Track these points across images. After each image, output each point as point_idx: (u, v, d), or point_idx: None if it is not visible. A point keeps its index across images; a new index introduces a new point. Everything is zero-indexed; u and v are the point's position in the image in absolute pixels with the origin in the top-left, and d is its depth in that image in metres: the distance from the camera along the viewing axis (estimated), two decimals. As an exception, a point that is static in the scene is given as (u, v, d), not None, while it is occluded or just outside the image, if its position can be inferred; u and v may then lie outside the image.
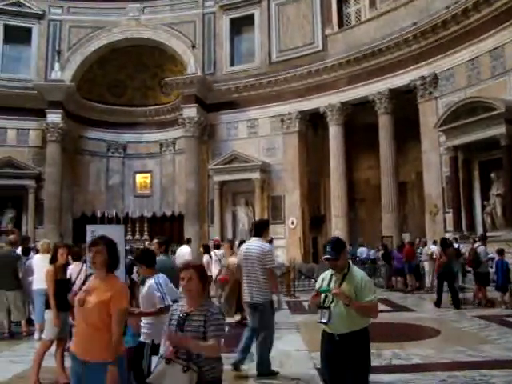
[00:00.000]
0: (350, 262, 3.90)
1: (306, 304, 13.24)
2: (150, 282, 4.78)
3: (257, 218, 22.64)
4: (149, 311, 4.70)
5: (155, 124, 27.49)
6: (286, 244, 22.31)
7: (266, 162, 23.23)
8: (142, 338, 4.78)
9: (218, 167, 23.67)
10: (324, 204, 24.39)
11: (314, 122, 23.81)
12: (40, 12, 25.23)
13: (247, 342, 6.41)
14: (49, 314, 6.34)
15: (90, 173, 27.15)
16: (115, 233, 5.57)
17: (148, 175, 27.90)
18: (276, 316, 9.60)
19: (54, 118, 24.26)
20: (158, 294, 4.73)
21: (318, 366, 5.91)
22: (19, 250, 10.28)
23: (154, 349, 4.57)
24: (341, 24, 22.63)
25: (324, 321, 3.71)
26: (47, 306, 6.45)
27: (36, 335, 8.55)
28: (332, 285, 3.80)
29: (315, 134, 24.29)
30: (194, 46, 24.83)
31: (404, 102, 20.01)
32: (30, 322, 9.44)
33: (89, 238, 5.56)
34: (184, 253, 12.96)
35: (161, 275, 4.89)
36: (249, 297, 6.36)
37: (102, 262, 3.40)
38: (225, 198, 24.09)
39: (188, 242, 15.74)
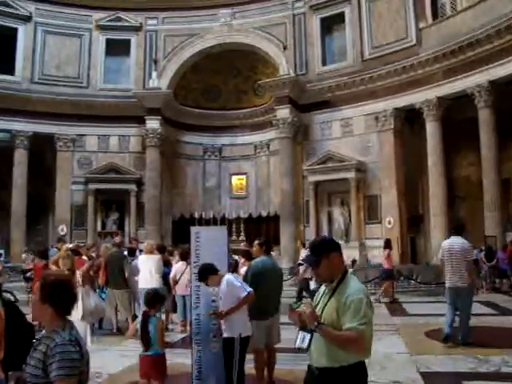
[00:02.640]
0: (350, 270, 3.48)
1: (405, 306, 13.74)
2: (226, 278, 5.07)
3: (353, 218, 23.46)
4: (236, 305, 4.92)
5: (249, 126, 29.02)
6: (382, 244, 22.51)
7: (361, 161, 23.71)
8: (226, 334, 4.98)
9: (313, 167, 24.57)
10: (422, 203, 24.46)
11: (409, 119, 24.06)
12: (137, 24, 27.68)
13: (452, 317, 8.40)
14: None
15: (188, 176, 29.29)
16: (218, 234, 6.44)
17: (243, 177, 29.59)
18: (375, 318, 10.28)
19: (153, 124, 26.53)
20: (238, 284, 5.07)
21: (422, 370, 6.74)
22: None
23: (243, 342, 4.97)
24: (435, 16, 22.72)
25: (303, 346, 2.97)
26: None
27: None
28: (323, 300, 3.09)
29: (411, 130, 24.48)
30: (285, 48, 25.96)
31: (506, 94, 19.72)
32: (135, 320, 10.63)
33: (193, 240, 6.02)
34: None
35: (229, 274, 5.32)
36: (453, 282, 8.38)
37: None
38: (320, 198, 24.95)
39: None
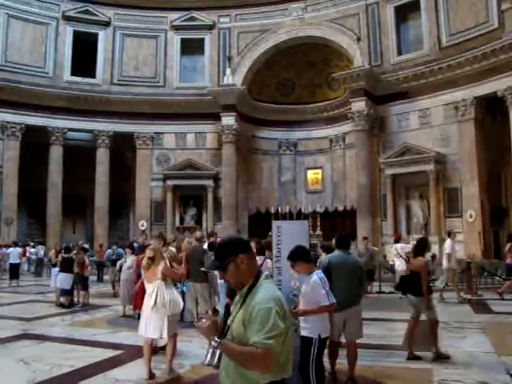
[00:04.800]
0: (265, 274, 2.73)
1: (489, 302, 13.35)
2: (314, 278, 4.87)
3: (433, 212, 23.33)
4: (313, 309, 4.81)
5: (324, 120, 29.39)
6: (463, 239, 21.92)
7: (440, 153, 23.48)
8: (305, 333, 4.88)
9: (390, 160, 24.58)
10: (506, 196, 23.96)
11: (491, 108, 23.47)
12: (211, 23, 28.75)
13: None
14: None
15: (263, 171, 30.14)
16: (299, 228, 6.58)
17: (319, 171, 30.02)
18: (457, 315, 10.22)
19: (229, 120, 27.47)
20: (323, 291, 4.85)
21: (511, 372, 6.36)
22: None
23: (321, 343, 4.91)
24: (519, -5, 22.01)
25: (212, 363, 2.62)
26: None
27: None
28: (236, 310, 2.73)
29: (493, 120, 23.85)
30: (359, 39, 26.05)
31: None
32: (216, 312, 11.10)
33: (274, 233, 6.17)
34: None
35: (319, 271, 5.09)
36: None
37: None
38: (397, 191, 24.90)
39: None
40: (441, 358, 7.06)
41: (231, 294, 5.54)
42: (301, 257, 5.05)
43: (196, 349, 7.69)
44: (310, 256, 5.11)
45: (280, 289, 5.65)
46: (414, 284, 7.29)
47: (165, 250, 7.66)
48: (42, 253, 24.79)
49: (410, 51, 25.38)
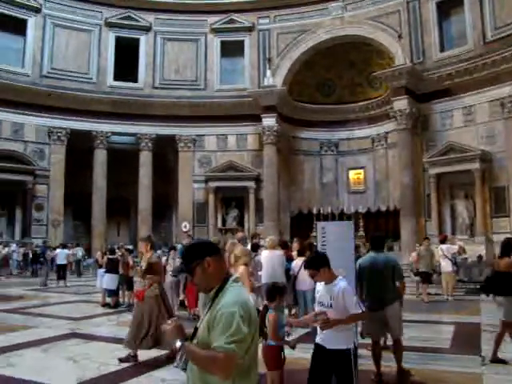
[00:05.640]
0: (234, 277, 2.70)
1: None
2: (343, 284, 4.52)
3: (478, 212, 22.85)
4: (346, 319, 4.46)
5: (366, 119, 29.30)
6: (511, 240, 21.63)
7: (486, 151, 22.96)
8: (338, 345, 4.45)
9: (433, 159, 24.20)
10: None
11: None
12: (250, 25, 29.09)
13: None
14: None
15: (305, 171, 30.24)
16: (344, 229, 6.56)
17: (361, 171, 29.96)
18: None
19: (269, 121, 27.67)
20: (355, 298, 4.60)
21: None
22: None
23: (355, 351, 4.58)
24: None
25: (179, 366, 2.66)
26: None
27: None
28: (205, 313, 2.71)
29: (542, 115, 23.41)
30: (400, 37, 25.84)
31: None
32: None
33: (319, 235, 6.14)
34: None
35: (343, 278, 4.73)
36: None
37: None
38: (442, 191, 24.49)
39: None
40: (496, 362, 6.93)
41: (270, 294, 5.26)
42: (324, 263, 4.62)
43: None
44: (328, 262, 4.68)
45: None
46: (502, 284, 7.08)
47: (150, 255, 7.78)
48: (80, 254, 25.54)
49: (452, 47, 24.94)
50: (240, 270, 6.53)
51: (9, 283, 20.49)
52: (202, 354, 2.45)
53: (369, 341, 6.55)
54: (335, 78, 29.82)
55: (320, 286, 4.71)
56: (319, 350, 4.53)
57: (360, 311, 4.49)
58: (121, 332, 9.66)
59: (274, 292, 5.18)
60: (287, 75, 28.33)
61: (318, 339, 4.57)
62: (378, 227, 25.96)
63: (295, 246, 11.46)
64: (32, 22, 27.14)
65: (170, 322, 2.58)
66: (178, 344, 2.48)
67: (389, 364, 6.52)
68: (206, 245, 2.77)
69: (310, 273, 4.66)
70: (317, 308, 4.69)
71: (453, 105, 24.56)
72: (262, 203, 28.09)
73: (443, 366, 6.90)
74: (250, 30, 29.16)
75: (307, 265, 4.77)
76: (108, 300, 13.75)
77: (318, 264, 4.61)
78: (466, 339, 7.12)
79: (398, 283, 6.56)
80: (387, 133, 28.09)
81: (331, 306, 4.47)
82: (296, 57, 28.32)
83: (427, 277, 14.78)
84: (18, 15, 26.72)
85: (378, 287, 6.36)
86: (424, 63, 25.39)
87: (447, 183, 24.51)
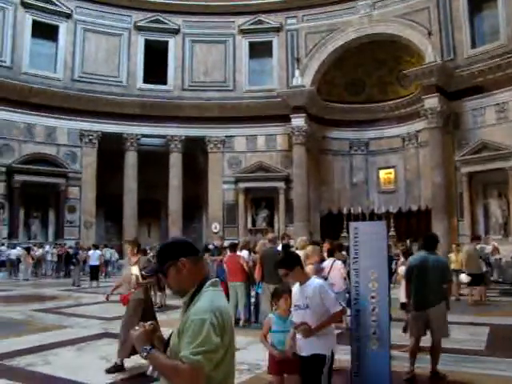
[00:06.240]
0: (212, 280, 2.49)
1: None
2: (318, 282, 4.27)
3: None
4: (327, 321, 4.19)
5: (396, 118, 29.05)
6: None
7: (520, 149, 22.62)
8: (314, 351, 4.17)
9: (466, 158, 23.90)
10: None
11: None
12: (278, 25, 29.20)
13: None
14: None
15: (335, 171, 30.18)
16: (377, 229, 6.29)
17: (392, 170, 29.76)
18: None
19: (298, 121, 27.69)
20: (332, 294, 4.34)
21: None
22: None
23: (332, 360, 4.27)
24: None
25: (153, 374, 2.43)
26: None
27: None
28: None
29: None
30: (430, 34, 25.53)
31: None
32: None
33: (351, 235, 6.03)
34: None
35: (317, 276, 4.54)
36: None
37: None
38: (474, 190, 24.17)
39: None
40: None
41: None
42: (297, 262, 4.34)
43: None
44: (300, 261, 4.41)
45: (358, 291, 5.77)
46: None
47: (137, 259, 7.68)
48: (109, 255, 26.05)
49: (484, 43, 24.49)
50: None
51: (43, 284, 21.00)
52: (166, 363, 2.27)
53: (402, 342, 6.53)
54: (364, 76, 29.66)
55: (295, 288, 4.47)
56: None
57: (340, 308, 4.24)
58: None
59: (273, 295, 4.88)
60: (316, 75, 28.31)
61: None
62: (409, 227, 25.82)
63: (325, 246, 11.54)
64: (63, 28, 27.79)
65: (137, 327, 2.42)
66: (142, 350, 2.32)
67: (420, 365, 6.54)
68: (181, 245, 2.53)
69: (283, 272, 4.38)
70: (293, 311, 4.41)
71: (485, 102, 24.07)
72: (292, 203, 28.11)
73: (478, 369, 6.84)
74: (278, 30, 29.24)
75: (279, 264, 4.51)
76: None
77: (291, 263, 4.35)
78: (501, 341, 7.00)
79: (445, 285, 6.63)
80: (418, 131, 27.79)
81: (307, 306, 4.19)
82: (324, 56, 28.28)
83: (478, 278, 14.10)
84: (50, 22, 27.41)
85: (424, 287, 6.44)
86: (455, 60, 25.03)
87: (480, 182, 24.19)
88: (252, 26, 29.39)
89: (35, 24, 26.89)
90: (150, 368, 2.40)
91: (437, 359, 6.45)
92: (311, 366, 4.13)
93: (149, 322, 2.47)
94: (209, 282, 2.44)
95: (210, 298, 2.35)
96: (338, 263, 9.57)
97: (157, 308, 13.54)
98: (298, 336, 4.26)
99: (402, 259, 9.88)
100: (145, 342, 2.34)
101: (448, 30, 25.42)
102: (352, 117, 29.34)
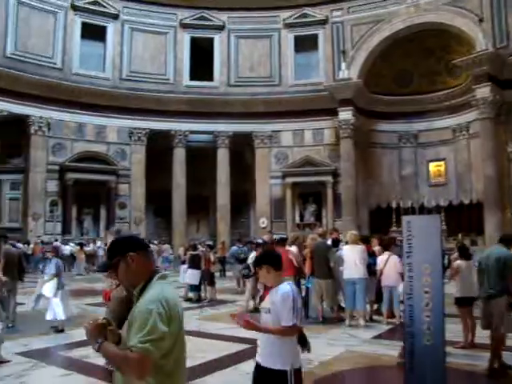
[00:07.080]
0: (160, 274, 2.60)
1: None
2: (286, 289, 3.77)
3: None
4: (273, 330, 3.73)
5: (446, 109, 28.44)
6: None
7: None
8: (274, 365, 3.70)
9: (520, 149, 23.37)
10: None
11: None
12: (323, 18, 29.03)
13: None
14: None
15: (383, 165, 29.85)
16: (431, 223, 6.20)
17: (442, 163, 29.23)
18: None
19: (346, 115, 27.53)
20: (291, 307, 3.72)
21: None
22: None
23: (297, 376, 3.75)
24: None
25: (109, 367, 2.44)
26: None
27: (347, 321, 9.93)
28: None
29: None
30: (481, 20, 24.84)
31: None
32: (341, 309, 10.72)
33: (405, 229, 5.91)
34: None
35: (291, 282, 4.05)
36: None
37: None
38: (528, 182, 23.62)
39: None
40: None
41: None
42: (267, 261, 3.89)
43: (323, 345, 7.92)
44: (280, 263, 3.93)
45: (411, 286, 5.72)
46: None
47: None
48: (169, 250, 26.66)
49: (540, 27, 23.73)
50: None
51: (95, 278, 21.63)
52: (116, 353, 2.37)
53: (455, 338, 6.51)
54: (412, 67, 29.05)
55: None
56: (256, 366, 3.90)
57: (290, 324, 3.66)
58: (203, 326, 10.11)
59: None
60: (363, 67, 28.05)
61: (256, 354, 3.95)
62: (460, 221, 25.22)
63: (374, 241, 11.59)
64: (111, 28, 28.52)
65: (90, 321, 2.50)
66: (94, 343, 2.42)
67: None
68: (130, 240, 2.67)
69: (264, 270, 3.91)
70: (261, 312, 3.99)
71: (540, 90, 23.40)
72: (340, 198, 28.03)
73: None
74: (323, 23, 29.10)
75: (254, 263, 4.22)
76: (190, 295, 14.31)
77: (260, 261, 3.97)
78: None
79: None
80: (469, 122, 27.17)
81: (269, 311, 3.79)
82: (371, 48, 27.97)
83: None
84: (98, 23, 28.20)
85: (487, 280, 6.66)
86: (508, 47, 24.28)
87: (535, 174, 23.48)
88: (297, 20, 29.36)
89: (84, 26, 27.77)
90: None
91: (494, 355, 6.48)
92: (271, 381, 3.71)
93: (101, 317, 2.57)
94: (158, 275, 2.55)
95: (157, 289, 2.46)
96: (394, 257, 9.64)
97: (207, 302, 13.88)
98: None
99: (455, 254, 9.73)
100: (96, 336, 2.43)
101: (501, 16, 24.67)
102: (400, 109, 28.85)
